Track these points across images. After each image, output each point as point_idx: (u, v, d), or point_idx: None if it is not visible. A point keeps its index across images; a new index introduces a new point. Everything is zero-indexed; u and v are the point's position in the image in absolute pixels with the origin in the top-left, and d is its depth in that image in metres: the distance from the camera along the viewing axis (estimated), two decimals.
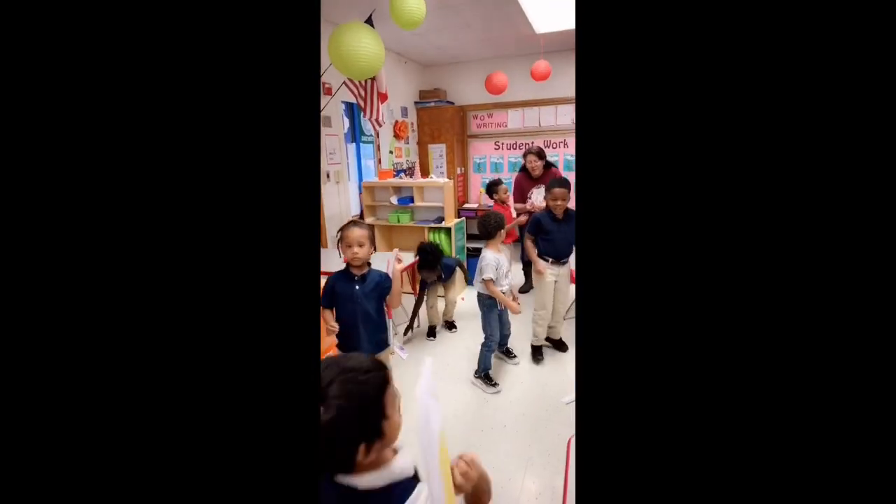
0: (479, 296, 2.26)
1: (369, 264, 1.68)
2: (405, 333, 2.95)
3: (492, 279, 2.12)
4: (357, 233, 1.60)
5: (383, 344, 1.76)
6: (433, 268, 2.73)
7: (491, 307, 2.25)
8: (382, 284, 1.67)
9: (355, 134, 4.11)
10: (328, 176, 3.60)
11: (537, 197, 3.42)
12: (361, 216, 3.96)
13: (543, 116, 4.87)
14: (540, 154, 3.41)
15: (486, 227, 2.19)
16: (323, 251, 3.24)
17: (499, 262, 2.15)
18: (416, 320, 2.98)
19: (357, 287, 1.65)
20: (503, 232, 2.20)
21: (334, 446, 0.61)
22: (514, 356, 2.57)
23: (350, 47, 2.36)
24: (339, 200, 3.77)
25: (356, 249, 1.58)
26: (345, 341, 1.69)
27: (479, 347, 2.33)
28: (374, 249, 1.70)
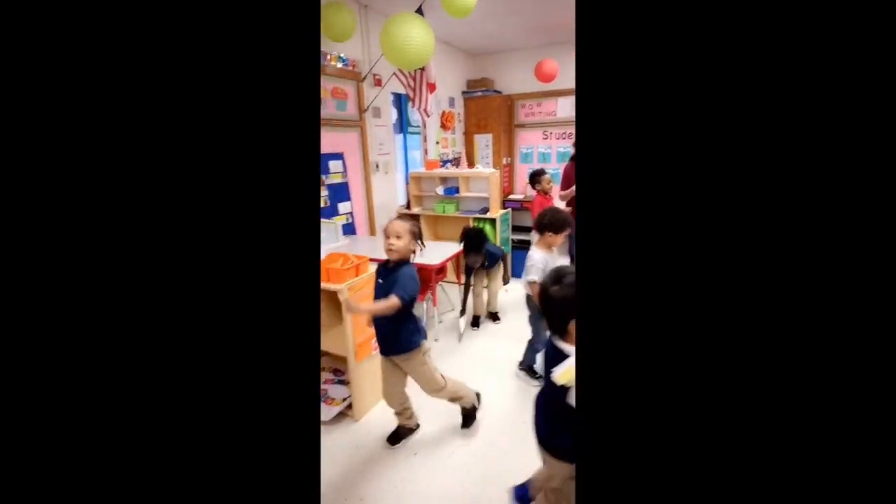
0: (528, 297, 2.16)
1: (408, 261, 1.60)
2: (466, 320, 2.98)
3: (536, 282, 1.97)
4: (396, 225, 1.56)
5: (407, 345, 1.62)
6: (479, 251, 2.72)
7: (537, 310, 2.14)
8: (396, 280, 1.53)
9: (402, 125, 4.16)
10: (377, 166, 3.68)
11: None
12: (408, 206, 4.03)
13: None
14: None
15: (553, 222, 1.97)
16: (370, 239, 3.33)
17: (546, 263, 2.00)
18: (465, 308, 2.99)
19: (381, 280, 1.61)
20: (563, 236, 2.03)
21: (558, 314, 1.00)
22: (539, 376, 2.28)
23: (401, 38, 2.39)
24: (386, 190, 3.85)
25: (392, 241, 1.55)
26: (377, 333, 1.68)
27: (524, 341, 2.32)
28: (421, 244, 1.62)
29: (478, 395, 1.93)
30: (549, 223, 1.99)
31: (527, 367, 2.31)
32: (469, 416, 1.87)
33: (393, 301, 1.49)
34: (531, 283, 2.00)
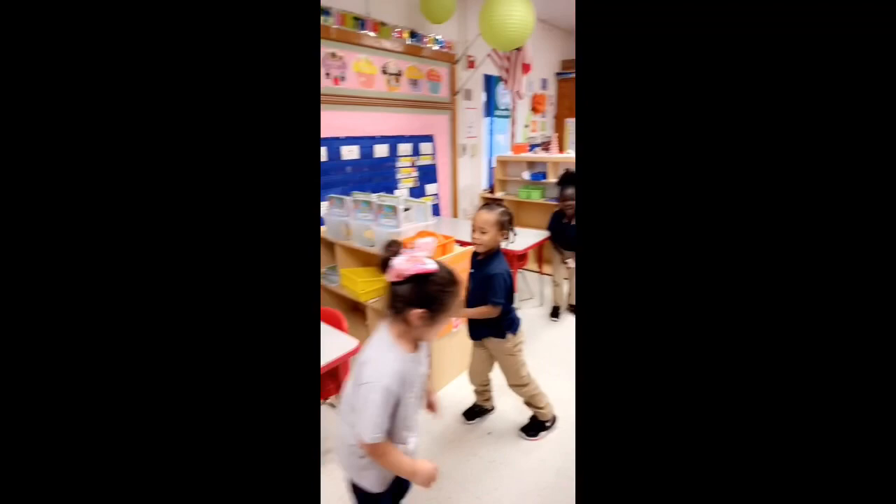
0: None
1: (498, 252, 1.58)
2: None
3: None
4: (482, 217, 1.52)
5: (497, 331, 1.62)
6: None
7: None
8: (489, 282, 1.53)
9: (490, 107, 4.11)
10: (464, 149, 3.71)
11: None
12: (492, 190, 4.01)
13: None
14: None
15: None
16: (453, 221, 3.39)
17: None
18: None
19: (473, 270, 1.63)
20: None
21: None
22: None
23: (501, 17, 2.34)
24: (471, 173, 3.87)
25: (477, 235, 1.54)
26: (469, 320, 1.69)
27: None
28: (511, 233, 1.58)
29: (554, 419, 1.81)
30: None
31: None
32: (536, 426, 1.78)
33: (491, 310, 1.55)
34: None
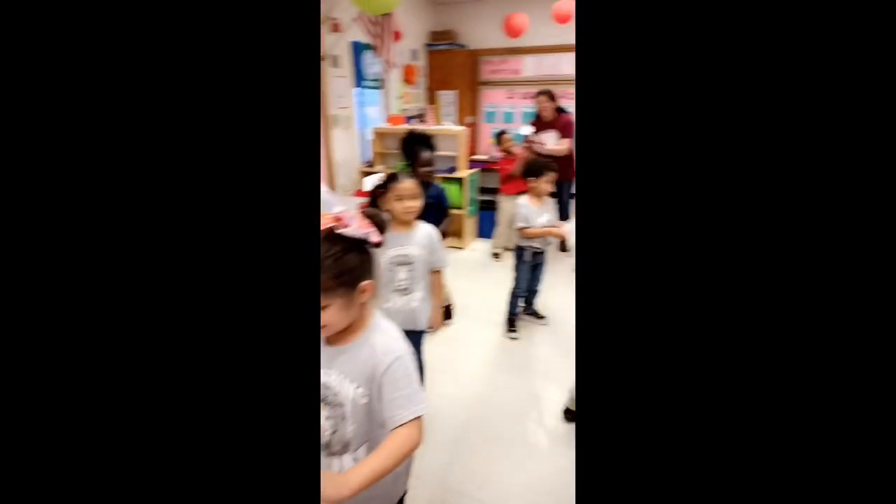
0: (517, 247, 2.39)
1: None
2: None
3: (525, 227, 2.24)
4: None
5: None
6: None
7: (521, 259, 2.37)
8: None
9: (358, 78, 3.90)
10: (336, 121, 3.47)
11: (548, 139, 3.32)
12: (370, 164, 3.88)
13: (562, 64, 4.63)
14: (551, 96, 3.29)
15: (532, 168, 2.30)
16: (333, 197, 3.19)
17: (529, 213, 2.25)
18: None
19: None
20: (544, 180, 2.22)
21: None
22: (543, 317, 2.57)
23: None
24: (347, 146, 3.67)
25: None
26: None
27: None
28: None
29: None
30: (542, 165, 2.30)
31: (508, 318, 2.47)
32: None
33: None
34: (521, 230, 2.27)
